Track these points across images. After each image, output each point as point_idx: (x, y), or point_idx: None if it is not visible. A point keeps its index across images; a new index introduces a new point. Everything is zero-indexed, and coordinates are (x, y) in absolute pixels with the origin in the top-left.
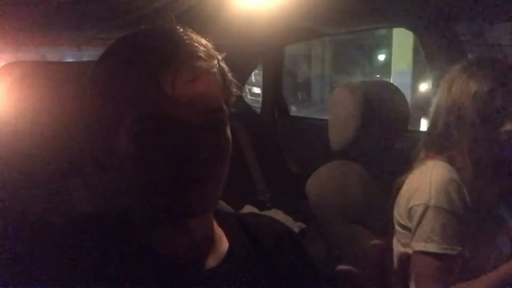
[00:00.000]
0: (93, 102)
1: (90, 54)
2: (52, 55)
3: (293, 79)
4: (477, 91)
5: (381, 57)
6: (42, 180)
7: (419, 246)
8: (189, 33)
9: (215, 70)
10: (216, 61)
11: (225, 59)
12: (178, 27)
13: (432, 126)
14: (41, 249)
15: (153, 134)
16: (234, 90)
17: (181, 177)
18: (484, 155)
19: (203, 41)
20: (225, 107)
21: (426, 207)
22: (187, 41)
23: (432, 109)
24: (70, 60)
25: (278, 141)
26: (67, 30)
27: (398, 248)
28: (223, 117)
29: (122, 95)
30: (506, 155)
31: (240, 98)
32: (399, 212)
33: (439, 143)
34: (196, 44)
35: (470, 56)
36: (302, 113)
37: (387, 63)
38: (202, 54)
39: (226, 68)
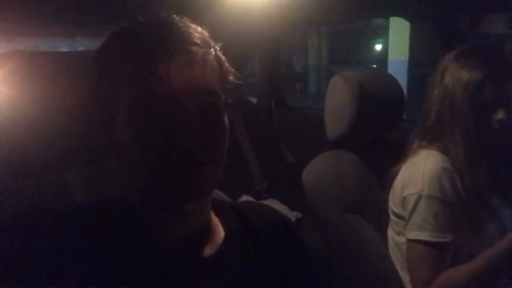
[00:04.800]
0: (92, 90)
1: (85, 44)
2: (46, 45)
3: (291, 69)
4: (470, 80)
5: (378, 47)
6: (40, 170)
7: (412, 234)
8: (185, 21)
9: (210, 57)
10: (212, 49)
11: (221, 49)
12: (175, 16)
13: (425, 115)
14: (39, 239)
15: (149, 118)
16: (232, 79)
17: (177, 161)
18: (477, 144)
19: (199, 29)
20: (221, 93)
21: (419, 196)
22: (182, 28)
23: (425, 99)
24: (64, 49)
25: (274, 131)
26: (61, 19)
27: (392, 236)
28: (218, 102)
29: (120, 81)
30: (498, 144)
31: (237, 88)
32: (393, 201)
33: (432, 133)
34: (191, 31)
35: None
36: (299, 103)
37: (384, 52)
38: (197, 41)
39: (223, 57)
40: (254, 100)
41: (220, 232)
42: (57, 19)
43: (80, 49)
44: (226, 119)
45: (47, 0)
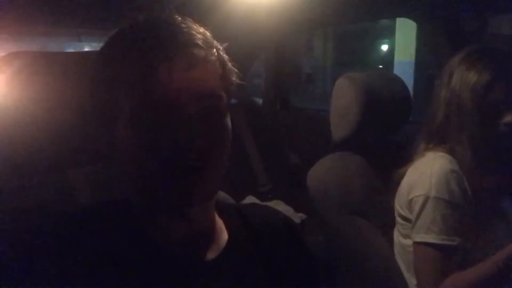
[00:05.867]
0: (94, 92)
1: (91, 44)
2: (53, 45)
3: (297, 70)
4: (477, 82)
5: (384, 47)
6: (42, 171)
7: (419, 237)
8: (187, 22)
9: (213, 58)
10: (214, 50)
11: (227, 50)
12: (177, 16)
13: (432, 117)
14: (41, 239)
15: (149, 121)
16: (235, 79)
17: (177, 165)
18: (484, 147)
19: (201, 29)
20: (223, 95)
21: (427, 198)
22: (184, 29)
23: (432, 100)
24: (71, 50)
25: (279, 133)
26: (67, 20)
27: (398, 239)
28: (221, 105)
29: (121, 83)
30: (506, 146)
31: (242, 89)
32: (399, 203)
33: (439, 135)
34: (193, 32)
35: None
36: (305, 104)
37: (390, 53)
38: (199, 42)
39: (226, 57)
40: (259, 101)
41: (224, 234)
42: (63, 20)
43: (86, 49)
44: (228, 122)
45: (54, 1)
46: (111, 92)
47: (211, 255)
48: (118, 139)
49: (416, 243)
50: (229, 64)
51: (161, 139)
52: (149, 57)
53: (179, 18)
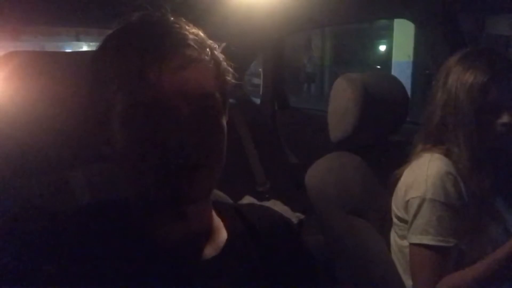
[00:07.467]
0: (90, 91)
1: (89, 44)
2: (51, 45)
3: (295, 70)
4: (473, 83)
5: (382, 48)
6: (41, 170)
7: (415, 238)
8: (180, 22)
9: (206, 58)
10: (208, 50)
11: (225, 49)
12: (170, 16)
13: (428, 118)
14: (38, 239)
15: (141, 121)
16: (230, 79)
17: (169, 165)
18: (480, 148)
19: (194, 30)
20: (217, 95)
21: (423, 200)
22: (176, 29)
23: (428, 101)
24: (69, 49)
25: (277, 132)
26: (65, 20)
27: (395, 239)
28: (214, 105)
29: (114, 83)
30: (502, 147)
31: (240, 88)
32: (396, 204)
33: (435, 136)
34: (185, 32)
35: (469, 47)
36: (302, 104)
37: (388, 53)
38: (191, 42)
39: (221, 57)
40: (257, 100)
41: (222, 234)
42: (61, 19)
43: (85, 48)
44: (223, 121)
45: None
46: (106, 92)
47: (209, 254)
48: (113, 139)
49: (412, 245)
50: (224, 64)
51: (152, 139)
52: (141, 58)
53: (172, 19)
